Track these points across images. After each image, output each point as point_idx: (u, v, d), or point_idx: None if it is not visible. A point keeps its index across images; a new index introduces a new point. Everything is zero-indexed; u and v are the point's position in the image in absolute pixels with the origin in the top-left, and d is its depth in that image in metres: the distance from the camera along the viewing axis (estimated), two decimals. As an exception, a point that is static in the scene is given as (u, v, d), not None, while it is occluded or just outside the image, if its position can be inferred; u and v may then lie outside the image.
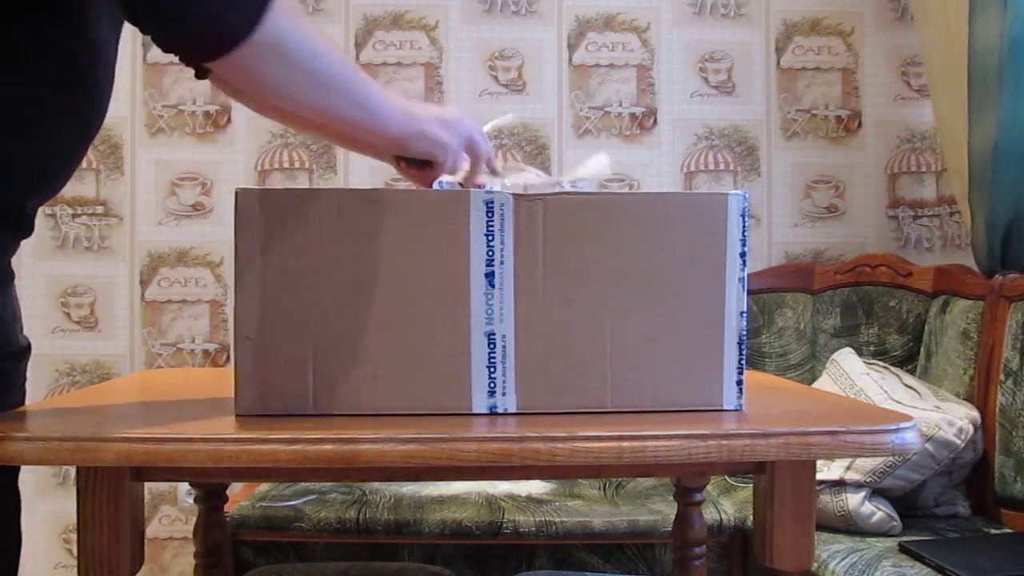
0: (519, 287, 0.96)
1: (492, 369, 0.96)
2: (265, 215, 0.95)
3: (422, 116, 1.05)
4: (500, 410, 0.96)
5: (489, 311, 0.96)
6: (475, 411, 0.96)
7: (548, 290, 0.96)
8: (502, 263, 0.96)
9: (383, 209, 0.95)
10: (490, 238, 0.96)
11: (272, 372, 0.95)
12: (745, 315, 0.98)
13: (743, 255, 0.97)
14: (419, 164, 1.10)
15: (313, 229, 0.95)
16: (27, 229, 0.94)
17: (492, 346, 0.96)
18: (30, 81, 0.82)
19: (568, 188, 1.11)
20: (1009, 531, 1.83)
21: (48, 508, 2.47)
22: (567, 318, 0.96)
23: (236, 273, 0.95)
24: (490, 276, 0.96)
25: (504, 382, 0.96)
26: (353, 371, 0.95)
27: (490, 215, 0.96)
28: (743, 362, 0.98)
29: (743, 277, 0.97)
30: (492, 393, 0.96)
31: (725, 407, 0.97)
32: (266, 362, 0.95)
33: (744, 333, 0.97)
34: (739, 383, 0.98)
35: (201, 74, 0.89)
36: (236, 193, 0.95)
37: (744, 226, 0.97)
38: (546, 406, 0.96)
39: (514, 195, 0.96)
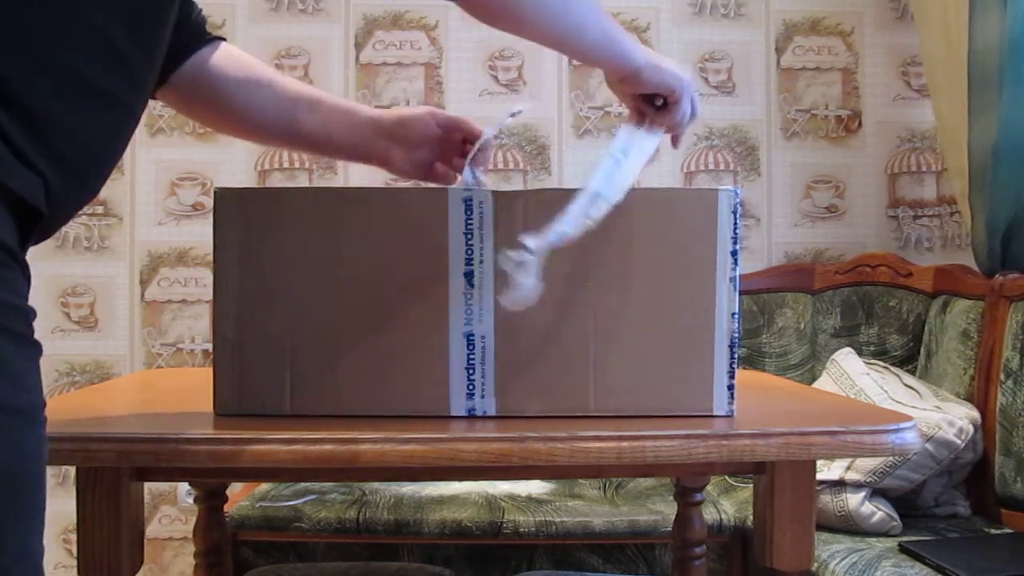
0: (499, 287, 0.94)
1: (471, 371, 0.94)
2: (244, 215, 0.94)
3: (647, 51, 1.01)
4: (479, 413, 0.95)
5: (468, 311, 0.94)
6: (453, 414, 0.95)
7: None
8: (481, 262, 0.94)
9: (361, 208, 0.95)
10: (469, 237, 0.94)
11: (250, 372, 0.94)
12: (737, 316, 0.95)
13: (735, 253, 0.95)
14: (656, 106, 1.06)
15: (291, 228, 0.95)
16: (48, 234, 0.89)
17: (471, 347, 0.94)
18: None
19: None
20: (1009, 531, 1.83)
21: (48, 508, 2.47)
22: (549, 319, 0.94)
23: (215, 272, 0.95)
24: (469, 275, 0.94)
25: (483, 384, 0.94)
26: (330, 372, 0.94)
27: (469, 213, 0.94)
28: (735, 366, 0.95)
29: (735, 276, 0.95)
30: (471, 396, 0.95)
31: (715, 412, 0.95)
32: (244, 362, 0.94)
33: (736, 335, 0.95)
34: (730, 388, 0.95)
35: None
36: (215, 193, 0.95)
37: (736, 223, 0.94)
38: (526, 409, 0.95)
39: (494, 192, 0.95)
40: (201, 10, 1.07)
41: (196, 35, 1.06)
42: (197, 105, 1.09)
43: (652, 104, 1.04)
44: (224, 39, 1.10)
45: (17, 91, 0.67)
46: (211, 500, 1.52)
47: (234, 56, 1.08)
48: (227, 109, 1.08)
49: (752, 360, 2.34)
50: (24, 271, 0.69)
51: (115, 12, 0.74)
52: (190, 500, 2.30)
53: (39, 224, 0.72)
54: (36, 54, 0.69)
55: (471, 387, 0.95)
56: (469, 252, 0.94)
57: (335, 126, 1.11)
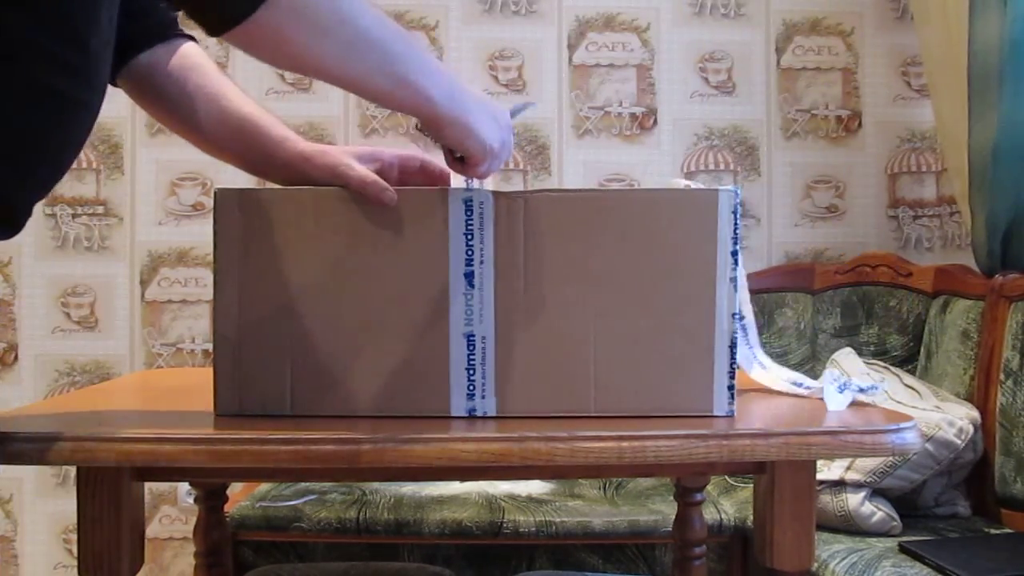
0: (499, 287, 0.94)
1: (471, 371, 0.95)
2: (244, 215, 0.94)
3: (470, 104, 0.92)
4: (479, 413, 0.95)
5: (468, 312, 0.94)
6: (453, 414, 0.95)
7: (529, 290, 0.94)
8: (482, 263, 0.94)
9: (362, 208, 0.95)
10: (469, 237, 0.94)
11: (250, 372, 0.94)
12: (737, 316, 0.95)
13: (735, 254, 0.94)
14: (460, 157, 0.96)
15: (291, 229, 0.95)
16: (17, 228, 0.89)
17: (471, 348, 0.94)
18: (40, 70, 0.79)
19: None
20: (1009, 531, 1.83)
21: (48, 508, 2.47)
22: (549, 319, 0.94)
23: (215, 272, 0.95)
24: (469, 276, 0.94)
25: (483, 385, 0.95)
26: (330, 372, 0.94)
27: (469, 213, 0.94)
28: (735, 366, 0.95)
29: (735, 277, 0.95)
30: (471, 396, 0.95)
31: (715, 413, 0.95)
32: (244, 362, 0.94)
33: (736, 336, 0.95)
34: (731, 388, 0.95)
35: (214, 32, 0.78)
36: (215, 193, 0.95)
37: (736, 223, 0.94)
38: (526, 409, 0.95)
39: (494, 192, 0.94)
40: (167, 9, 1.06)
41: (152, 31, 1.05)
42: (146, 102, 1.08)
43: (451, 153, 0.96)
44: (193, 38, 1.08)
45: None
46: (211, 500, 1.52)
47: (192, 63, 1.06)
48: (174, 114, 1.08)
49: (752, 360, 2.34)
50: None
51: (39, 14, 0.77)
52: (190, 500, 2.30)
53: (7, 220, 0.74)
54: None
55: (471, 387, 0.95)
56: (469, 252, 0.94)
57: (270, 158, 1.08)
